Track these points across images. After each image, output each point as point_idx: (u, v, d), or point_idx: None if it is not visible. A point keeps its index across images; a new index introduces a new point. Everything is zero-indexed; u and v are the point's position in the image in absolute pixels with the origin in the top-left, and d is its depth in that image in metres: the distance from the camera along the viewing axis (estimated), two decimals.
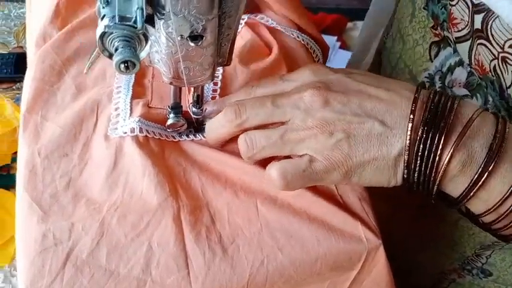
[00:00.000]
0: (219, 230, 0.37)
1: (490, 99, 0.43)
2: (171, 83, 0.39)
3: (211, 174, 0.40)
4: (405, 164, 0.33)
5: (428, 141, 0.32)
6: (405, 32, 0.52)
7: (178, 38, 0.33)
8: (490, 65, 0.40)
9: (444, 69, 0.46)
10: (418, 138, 0.32)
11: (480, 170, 0.31)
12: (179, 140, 0.42)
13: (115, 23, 0.29)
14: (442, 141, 0.31)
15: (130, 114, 0.42)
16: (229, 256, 0.36)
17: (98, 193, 0.37)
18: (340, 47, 1.35)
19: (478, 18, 0.40)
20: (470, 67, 0.44)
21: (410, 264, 0.59)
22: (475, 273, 0.54)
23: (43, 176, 0.38)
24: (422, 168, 0.32)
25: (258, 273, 0.36)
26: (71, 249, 0.34)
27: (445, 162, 0.32)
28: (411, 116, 0.32)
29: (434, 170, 0.32)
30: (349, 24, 1.56)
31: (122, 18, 0.29)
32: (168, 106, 0.41)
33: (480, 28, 0.40)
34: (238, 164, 0.40)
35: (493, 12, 0.39)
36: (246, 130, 0.37)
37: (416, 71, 0.50)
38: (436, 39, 0.47)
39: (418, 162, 0.32)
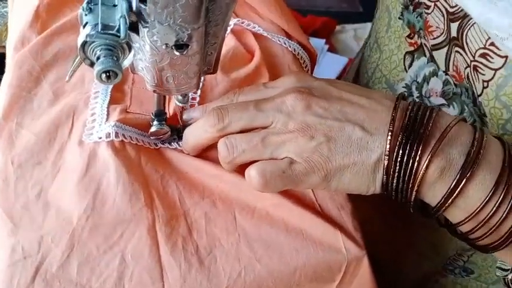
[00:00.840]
0: (196, 240, 0.36)
1: (466, 107, 0.43)
2: (154, 91, 0.37)
3: (189, 183, 0.38)
4: (384, 170, 0.32)
5: (408, 147, 0.31)
6: (382, 42, 0.52)
7: (163, 47, 0.31)
8: (464, 72, 0.41)
9: (419, 79, 0.46)
10: (398, 144, 0.32)
11: (458, 176, 0.31)
12: (156, 147, 0.40)
13: (97, 32, 0.28)
14: (420, 147, 0.31)
15: (107, 120, 0.40)
16: (205, 267, 0.34)
17: (68, 202, 0.35)
18: (329, 50, 1.34)
19: (454, 26, 0.40)
20: (447, 74, 0.44)
21: (393, 274, 0.58)
22: (457, 272, 0.53)
23: (15, 186, 0.36)
24: (401, 174, 0.32)
25: (235, 284, 0.34)
26: (40, 263, 0.32)
27: (423, 167, 0.31)
28: (391, 123, 0.32)
29: (412, 176, 0.32)
30: (338, 27, 1.54)
31: (105, 27, 0.28)
32: (152, 113, 0.40)
33: (456, 36, 0.40)
34: (216, 172, 0.38)
35: (468, 21, 0.39)
36: (227, 135, 0.36)
37: (393, 80, 0.50)
38: (411, 48, 0.47)
39: (397, 167, 0.32)
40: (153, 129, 0.39)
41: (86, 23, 0.28)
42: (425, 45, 0.45)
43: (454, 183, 0.31)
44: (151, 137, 0.40)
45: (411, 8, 0.46)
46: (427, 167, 0.31)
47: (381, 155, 0.32)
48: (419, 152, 0.31)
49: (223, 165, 0.37)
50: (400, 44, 0.48)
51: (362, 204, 0.39)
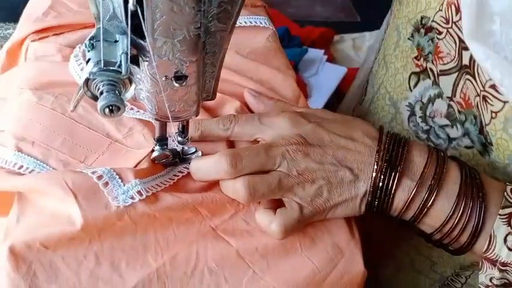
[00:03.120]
0: None
1: (468, 134, 0.44)
2: (156, 119, 0.37)
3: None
4: (368, 203, 0.39)
5: (384, 187, 0.38)
6: (389, 60, 0.52)
7: (163, 79, 0.31)
8: (474, 100, 0.41)
9: (424, 100, 0.47)
10: (377, 184, 0.38)
11: (421, 205, 0.38)
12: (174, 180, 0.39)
13: (100, 68, 0.28)
14: (393, 188, 0.37)
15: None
16: None
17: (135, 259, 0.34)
18: (327, 60, 1.31)
19: (466, 55, 0.41)
20: (451, 100, 0.44)
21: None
22: None
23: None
24: (380, 206, 0.38)
25: None
26: None
27: (397, 202, 0.38)
28: (375, 166, 0.38)
29: (388, 207, 0.38)
30: (336, 37, 1.51)
31: (107, 63, 0.28)
32: (154, 138, 0.39)
33: (468, 64, 0.41)
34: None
35: None
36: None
37: (397, 98, 0.51)
38: (417, 69, 0.48)
39: (376, 202, 0.38)
40: (155, 154, 0.39)
41: (89, 59, 0.28)
42: (431, 70, 0.45)
43: (418, 209, 0.38)
44: (155, 162, 0.39)
45: (422, 31, 0.46)
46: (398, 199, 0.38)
47: (365, 192, 0.38)
48: (393, 191, 0.38)
49: (241, 202, 0.38)
50: (407, 63, 0.49)
51: (360, 224, 0.41)
